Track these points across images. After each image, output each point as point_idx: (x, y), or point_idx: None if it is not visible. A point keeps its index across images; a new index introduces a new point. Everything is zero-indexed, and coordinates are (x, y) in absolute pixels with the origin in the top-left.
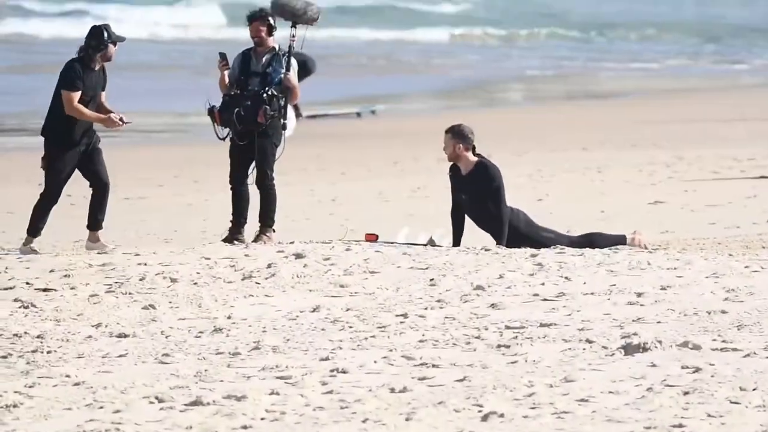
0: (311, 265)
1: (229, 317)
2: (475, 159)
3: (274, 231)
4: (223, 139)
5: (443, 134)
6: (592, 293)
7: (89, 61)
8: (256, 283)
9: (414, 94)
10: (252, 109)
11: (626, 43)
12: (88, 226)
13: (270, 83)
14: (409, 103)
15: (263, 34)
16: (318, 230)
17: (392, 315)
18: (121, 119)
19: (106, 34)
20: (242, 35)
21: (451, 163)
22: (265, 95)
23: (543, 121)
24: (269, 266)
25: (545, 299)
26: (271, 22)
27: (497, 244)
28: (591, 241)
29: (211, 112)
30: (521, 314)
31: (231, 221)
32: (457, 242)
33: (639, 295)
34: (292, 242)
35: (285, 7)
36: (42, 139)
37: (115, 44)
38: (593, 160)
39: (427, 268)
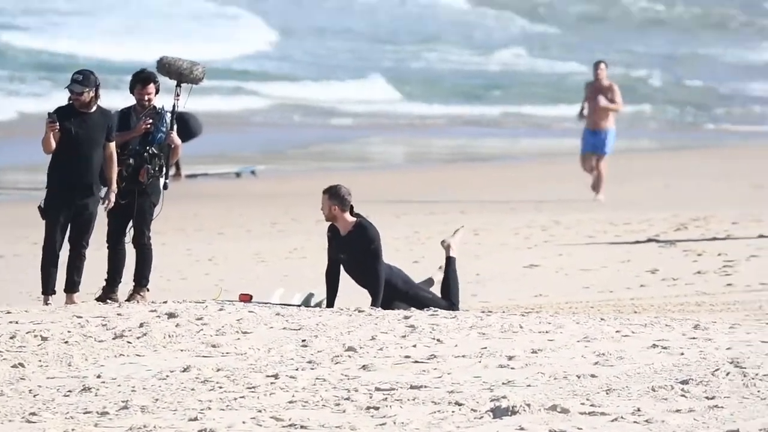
0: (183, 325)
1: (98, 376)
2: (353, 219)
3: (148, 290)
4: (103, 199)
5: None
6: (463, 356)
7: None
8: (128, 342)
9: (293, 154)
10: (134, 169)
11: (508, 104)
12: (65, 289)
13: (151, 142)
14: (289, 163)
15: (153, 95)
16: (193, 290)
17: (263, 375)
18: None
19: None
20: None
21: (330, 223)
22: (146, 154)
23: (422, 182)
24: (141, 325)
25: (416, 361)
26: (159, 83)
27: (372, 303)
28: (448, 297)
29: None
30: (392, 376)
31: (105, 280)
32: (331, 303)
33: (510, 358)
34: (165, 302)
35: (171, 66)
36: None
37: (71, 92)
38: (471, 223)
39: (299, 329)
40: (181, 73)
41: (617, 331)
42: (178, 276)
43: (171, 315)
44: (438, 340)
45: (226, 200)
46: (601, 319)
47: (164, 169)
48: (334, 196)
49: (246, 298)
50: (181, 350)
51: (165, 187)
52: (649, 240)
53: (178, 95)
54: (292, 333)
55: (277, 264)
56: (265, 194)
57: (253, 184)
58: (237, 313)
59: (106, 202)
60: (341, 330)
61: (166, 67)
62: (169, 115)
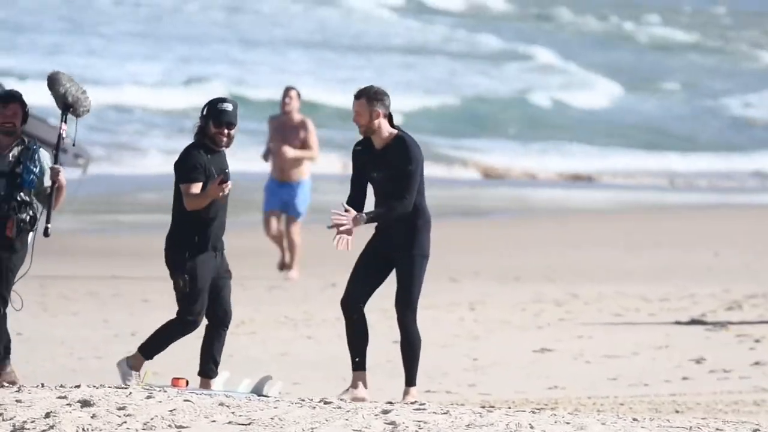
0: (101, 416)
1: None
2: (394, 131)
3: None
4: None
5: (354, 101)
6: None
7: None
8: None
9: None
10: None
11: (508, 141)
12: (200, 373)
13: (20, 186)
14: None
15: (17, 121)
16: (113, 372)
17: None
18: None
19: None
20: None
21: (363, 136)
22: (14, 202)
23: None
24: (47, 416)
25: None
26: (26, 107)
27: (375, 210)
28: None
29: None
30: None
31: None
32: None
33: None
34: (77, 386)
35: (67, 93)
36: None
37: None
38: (464, 294)
39: (249, 424)
40: (74, 103)
41: None
42: (93, 354)
43: (85, 403)
44: None
45: (151, 258)
46: (634, 419)
47: (35, 221)
48: (373, 97)
49: (180, 384)
50: None
51: (46, 233)
52: (693, 321)
53: (64, 121)
54: (240, 429)
55: None
56: None
57: None
58: (169, 402)
59: None
60: (303, 426)
61: (62, 96)
62: (43, 152)
